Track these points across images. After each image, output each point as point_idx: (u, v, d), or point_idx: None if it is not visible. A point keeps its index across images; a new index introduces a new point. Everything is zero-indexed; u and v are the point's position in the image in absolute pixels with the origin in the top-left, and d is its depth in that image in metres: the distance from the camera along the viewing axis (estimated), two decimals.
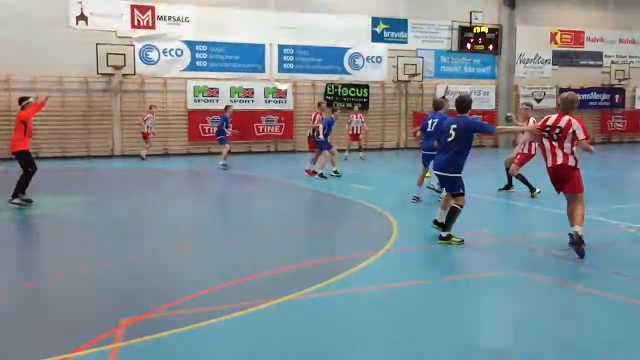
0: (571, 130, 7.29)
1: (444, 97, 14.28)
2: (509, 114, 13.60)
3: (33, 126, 11.47)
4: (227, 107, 17.84)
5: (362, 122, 20.68)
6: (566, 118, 7.38)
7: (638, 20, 28.45)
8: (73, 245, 8.13)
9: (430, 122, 10.70)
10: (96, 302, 5.70)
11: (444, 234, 7.71)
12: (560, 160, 7.35)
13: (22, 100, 11.28)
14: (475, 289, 6.21)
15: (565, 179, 7.42)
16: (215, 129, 18.65)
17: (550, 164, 7.48)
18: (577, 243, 7.06)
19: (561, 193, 7.60)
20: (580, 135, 7.29)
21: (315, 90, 23.43)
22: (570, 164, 7.35)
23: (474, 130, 7.79)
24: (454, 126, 7.69)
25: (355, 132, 20.50)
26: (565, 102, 7.56)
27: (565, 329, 5.03)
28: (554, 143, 7.40)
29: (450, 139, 7.71)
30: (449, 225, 7.70)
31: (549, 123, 7.49)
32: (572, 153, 7.37)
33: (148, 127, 20.13)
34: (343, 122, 21.90)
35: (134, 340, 4.66)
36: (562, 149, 7.34)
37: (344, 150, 19.92)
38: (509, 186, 12.13)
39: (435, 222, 8.22)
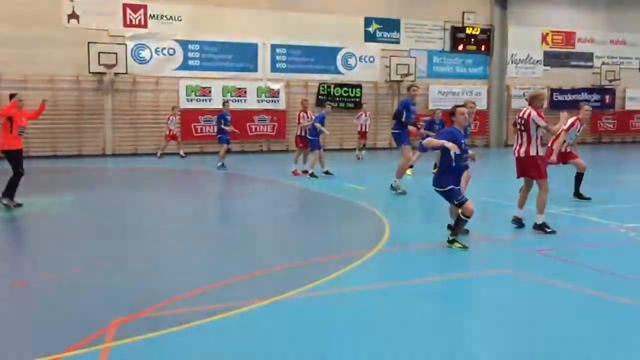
0: (531, 119, 8.21)
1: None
2: None
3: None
4: (224, 103, 17.89)
5: (370, 120, 20.89)
6: (527, 110, 8.36)
7: (628, 21, 28.60)
8: (64, 245, 8.08)
9: None
10: (87, 301, 5.67)
11: (450, 238, 7.68)
12: (522, 152, 8.35)
13: (11, 97, 11.18)
14: (467, 288, 6.24)
15: (527, 168, 8.41)
16: (215, 127, 18.33)
17: (516, 154, 8.52)
18: (517, 223, 8.52)
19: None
20: (541, 123, 8.16)
21: (307, 90, 23.41)
22: (531, 153, 8.31)
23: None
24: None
25: (363, 129, 20.69)
26: (529, 97, 8.65)
27: (556, 328, 5.05)
28: (520, 133, 8.40)
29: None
30: (454, 231, 7.68)
31: (519, 115, 8.59)
32: (535, 141, 8.27)
33: (170, 129, 20.40)
34: (349, 122, 22.11)
35: (125, 339, 4.64)
36: (528, 138, 8.28)
37: (353, 149, 20.17)
38: (582, 195, 11.16)
39: (448, 226, 8.22)
